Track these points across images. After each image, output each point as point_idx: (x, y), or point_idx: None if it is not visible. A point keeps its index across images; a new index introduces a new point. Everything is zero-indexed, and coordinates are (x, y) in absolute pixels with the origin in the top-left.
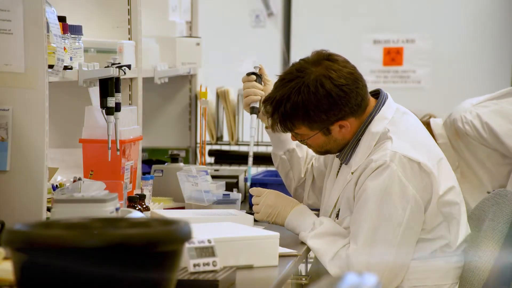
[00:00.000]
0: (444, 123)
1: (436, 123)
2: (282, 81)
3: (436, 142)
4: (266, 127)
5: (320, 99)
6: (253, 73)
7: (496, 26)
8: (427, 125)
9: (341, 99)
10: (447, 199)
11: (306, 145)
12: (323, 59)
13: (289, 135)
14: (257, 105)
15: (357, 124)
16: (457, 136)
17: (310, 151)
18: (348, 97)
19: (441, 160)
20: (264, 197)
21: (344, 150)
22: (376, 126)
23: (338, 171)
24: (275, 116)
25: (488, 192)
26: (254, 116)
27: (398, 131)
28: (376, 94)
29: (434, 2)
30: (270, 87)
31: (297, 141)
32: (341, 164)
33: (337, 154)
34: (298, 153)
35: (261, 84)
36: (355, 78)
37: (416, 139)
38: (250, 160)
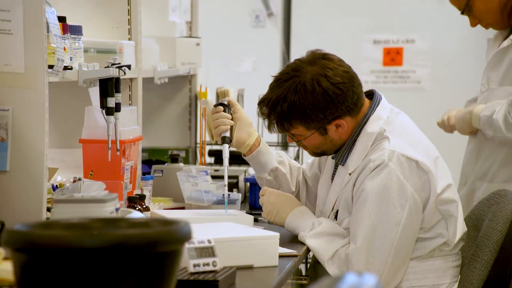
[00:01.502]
0: None
1: None
2: (278, 81)
3: None
4: (244, 155)
5: (317, 98)
6: (221, 104)
7: None
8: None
9: (338, 97)
10: (444, 197)
11: (302, 146)
12: (319, 58)
13: (268, 156)
14: (227, 134)
15: (353, 124)
16: None
17: (294, 163)
18: (345, 95)
19: (438, 159)
20: (267, 195)
21: (341, 151)
22: (372, 126)
23: (333, 173)
24: (271, 117)
25: None
26: (226, 145)
27: (394, 131)
28: (370, 95)
29: (434, 2)
30: (240, 114)
31: (278, 159)
32: (336, 165)
33: (332, 155)
34: (282, 170)
35: (230, 114)
36: (351, 77)
37: (413, 138)
38: (226, 189)
